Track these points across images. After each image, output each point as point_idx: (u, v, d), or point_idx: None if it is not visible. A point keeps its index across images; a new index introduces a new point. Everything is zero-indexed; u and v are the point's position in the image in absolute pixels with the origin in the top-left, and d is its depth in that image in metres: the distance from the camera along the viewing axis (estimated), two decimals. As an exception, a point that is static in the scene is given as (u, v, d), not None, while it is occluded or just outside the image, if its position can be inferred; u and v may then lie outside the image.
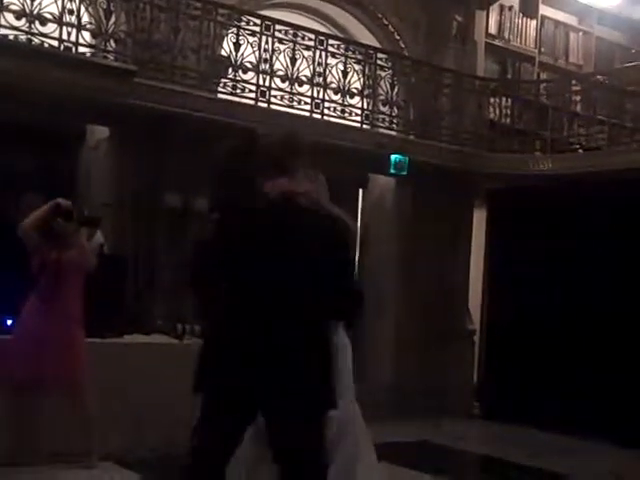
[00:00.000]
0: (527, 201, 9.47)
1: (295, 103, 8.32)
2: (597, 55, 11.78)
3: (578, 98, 10.03)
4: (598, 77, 10.42)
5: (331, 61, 8.62)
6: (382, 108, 9.14)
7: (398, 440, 7.24)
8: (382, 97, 9.11)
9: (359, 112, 8.86)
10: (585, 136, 9.87)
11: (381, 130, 9.11)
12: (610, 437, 7.95)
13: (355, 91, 8.83)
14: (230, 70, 8.02)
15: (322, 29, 9.44)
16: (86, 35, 7.22)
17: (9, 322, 5.55)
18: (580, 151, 9.77)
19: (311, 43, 8.47)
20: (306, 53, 8.40)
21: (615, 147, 9.20)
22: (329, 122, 8.53)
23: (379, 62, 9.08)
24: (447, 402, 9.19)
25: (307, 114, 8.41)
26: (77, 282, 5.40)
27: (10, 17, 6.80)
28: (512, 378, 9.39)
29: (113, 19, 7.35)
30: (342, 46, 8.82)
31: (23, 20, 6.82)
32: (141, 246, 7.72)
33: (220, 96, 8.02)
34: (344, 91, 8.69)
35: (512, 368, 9.43)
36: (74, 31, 7.04)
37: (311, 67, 8.44)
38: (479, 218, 10.27)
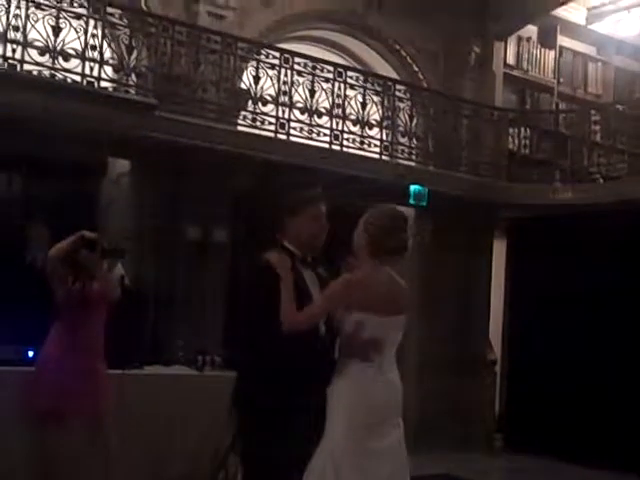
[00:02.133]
0: (547, 231, 9.45)
1: (314, 135, 8.37)
2: (616, 85, 11.79)
3: (597, 128, 10.02)
4: (617, 107, 10.41)
5: (350, 93, 8.68)
6: (401, 139, 9.18)
7: (418, 474, 7.15)
8: (401, 128, 9.15)
9: (378, 143, 8.90)
10: (605, 166, 9.85)
11: (400, 161, 9.14)
12: (634, 470, 7.86)
13: (374, 122, 8.87)
14: (250, 103, 8.09)
15: (341, 61, 9.53)
16: (108, 70, 7.34)
17: (31, 353, 5.57)
18: (600, 181, 9.75)
19: (330, 75, 8.54)
20: (325, 85, 8.47)
21: (635, 176, 9.17)
22: (348, 153, 8.57)
23: (398, 94, 9.13)
24: (468, 434, 9.12)
25: (326, 145, 8.46)
26: (100, 313, 5.41)
27: (34, 53, 6.91)
28: (534, 409, 9.31)
29: (135, 54, 7.46)
30: (361, 78, 8.88)
31: (47, 56, 6.94)
32: (161, 278, 7.76)
33: (240, 129, 8.08)
34: (363, 122, 8.73)
35: (534, 399, 9.36)
36: (96, 66, 7.15)
37: (330, 99, 8.50)
38: (499, 248, 10.24)
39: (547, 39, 11.26)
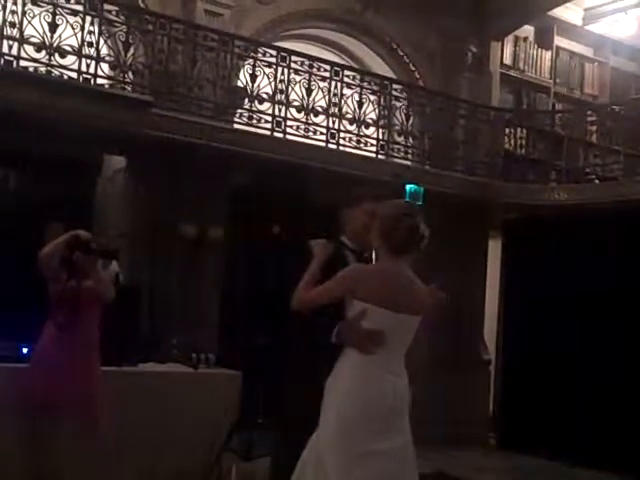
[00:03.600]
0: (542, 231, 9.46)
1: (311, 133, 8.37)
2: (612, 85, 11.79)
3: (594, 128, 10.03)
4: (614, 107, 10.42)
5: (347, 92, 8.68)
6: (397, 138, 9.18)
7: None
8: (397, 127, 9.16)
9: (374, 142, 8.90)
10: (601, 166, 9.87)
11: (396, 160, 9.14)
12: (625, 469, 7.87)
13: (370, 121, 8.88)
14: (246, 101, 8.09)
15: (337, 60, 9.52)
16: (105, 67, 7.33)
17: (25, 350, 5.57)
18: (596, 181, 9.76)
19: (327, 74, 8.54)
20: (322, 84, 8.47)
21: (631, 177, 9.18)
22: (344, 152, 8.57)
23: (394, 93, 9.13)
24: (463, 432, 9.12)
25: (323, 144, 8.46)
26: (94, 311, 5.41)
27: (30, 49, 6.91)
28: (528, 408, 9.33)
29: (131, 51, 7.46)
30: (357, 77, 8.88)
31: (43, 52, 6.93)
32: (157, 275, 7.76)
33: (236, 126, 8.08)
34: (359, 121, 8.74)
35: (528, 398, 9.37)
36: (93, 63, 7.14)
37: (327, 98, 8.50)
38: (494, 248, 10.25)
39: (544, 39, 11.28)
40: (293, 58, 8.32)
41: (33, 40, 6.90)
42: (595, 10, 11.37)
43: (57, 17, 6.97)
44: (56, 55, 6.98)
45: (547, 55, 11.26)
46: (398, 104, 9.16)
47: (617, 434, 8.26)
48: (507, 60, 10.89)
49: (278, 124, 8.16)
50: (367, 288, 3.47)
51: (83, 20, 7.13)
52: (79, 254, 5.26)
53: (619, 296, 8.59)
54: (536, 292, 9.45)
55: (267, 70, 8.15)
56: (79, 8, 7.14)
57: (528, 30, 11.12)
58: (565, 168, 9.86)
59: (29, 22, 6.86)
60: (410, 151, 9.29)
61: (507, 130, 10.13)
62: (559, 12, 11.04)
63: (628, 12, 11.04)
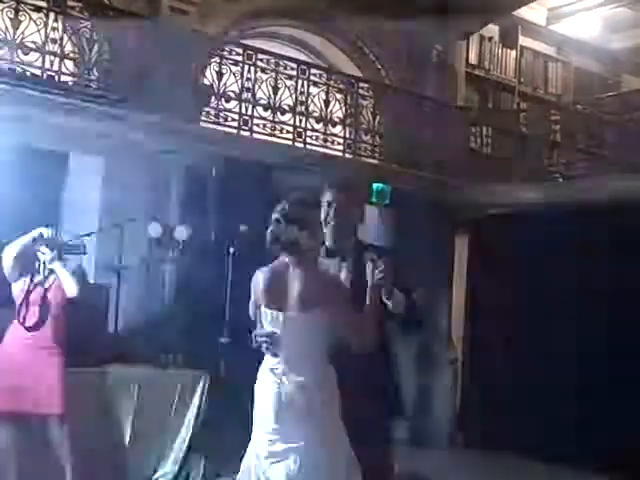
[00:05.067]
0: (508, 230, 9.49)
1: (277, 132, 8.35)
2: (576, 85, 11.92)
3: (557, 127, 10.12)
4: (577, 106, 10.53)
5: (313, 90, 8.67)
6: (364, 137, 9.18)
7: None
8: (364, 126, 9.16)
9: (341, 141, 8.89)
10: (565, 165, 9.95)
11: (363, 159, 9.14)
12: (591, 465, 7.94)
13: (337, 120, 8.87)
14: (213, 99, 8.04)
15: (304, 58, 9.50)
16: (69, 64, 7.22)
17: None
18: (560, 180, 9.84)
19: (293, 72, 8.51)
20: (288, 82, 8.44)
21: (595, 176, 9.26)
22: (311, 150, 8.54)
23: (361, 91, 9.13)
24: (429, 431, 9.16)
25: (289, 143, 8.44)
26: (58, 310, 5.35)
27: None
28: (494, 407, 9.37)
29: (96, 48, 7.36)
30: (324, 75, 8.87)
31: (5, 49, 6.82)
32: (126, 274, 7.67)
33: (203, 125, 8.03)
34: (326, 120, 8.73)
35: (494, 397, 9.41)
36: (57, 60, 7.04)
37: (293, 96, 8.48)
38: (461, 246, 10.29)
39: (508, 39, 11.37)
40: (259, 56, 8.29)
41: (-5, 37, 6.79)
42: (559, 10, 11.48)
43: (20, 13, 6.86)
44: (19, 51, 6.87)
45: (512, 54, 11.35)
46: (365, 102, 9.16)
47: (585, 431, 8.33)
48: (472, 59, 10.96)
49: (245, 122, 8.12)
50: (257, 290, 3.49)
51: (47, 16, 7.03)
52: (42, 251, 5.20)
53: (586, 295, 8.64)
54: (502, 291, 9.49)
55: (234, 68, 8.10)
56: (43, 4, 7.04)
57: (493, 30, 11.19)
58: (530, 167, 9.93)
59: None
60: (377, 149, 9.29)
61: (472, 129, 10.18)
62: (523, 12, 11.14)
63: (591, 12, 11.14)
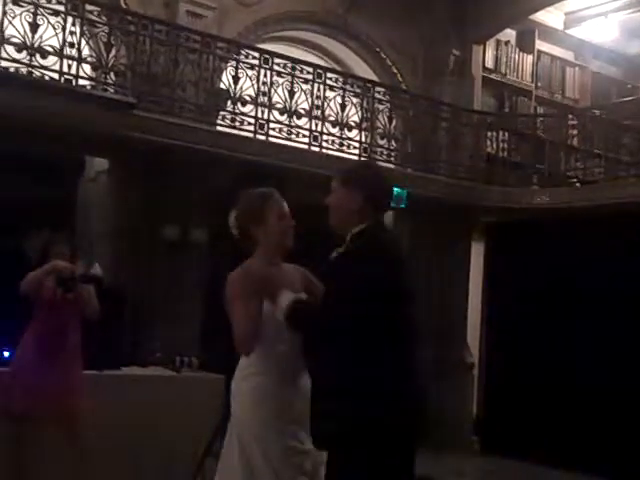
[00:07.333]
0: (525, 235, 9.48)
1: (293, 136, 8.34)
2: (593, 89, 11.86)
3: (575, 132, 10.07)
4: (594, 111, 10.48)
5: (329, 94, 8.66)
6: (380, 141, 9.17)
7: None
8: (380, 130, 9.15)
9: (357, 145, 8.88)
10: (582, 170, 9.90)
11: (379, 163, 9.11)
12: (608, 473, 7.88)
13: (353, 124, 8.86)
14: (229, 103, 8.05)
15: (320, 62, 9.50)
16: (86, 68, 7.26)
17: (6, 354, 5.50)
18: (577, 185, 9.80)
19: (309, 76, 8.51)
20: (304, 86, 8.44)
21: (612, 181, 9.22)
22: (327, 155, 8.54)
23: (377, 95, 9.12)
24: (446, 436, 9.09)
25: (305, 147, 8.43)
26: (75, 315, 5.36)
27: (11, 49, 6.83)
28: (511, 412, 9.33)
29: (113, 52, 7.40)
30: (340, 79, 8.86)
31: (24, 53, 6.85)
32: (139, 278, 7.69)
33: (219, 129, 8.04)
34: (342, 124, 8.72)
35: (511, 402, 9.37)
36: (74, 64, 7.07)
37: (309, 100, 8.47)
38: (477, 251, 10.26)
39: (525, 43, 11.31)
40: (276, 60, 8.28)
41: (14, 40, 6.82)
42: (576, 14, 11.42)
43: (38, 17, 6.90)
44: (37, 55, 6.90)
45: (529, 59, 11.29)
46: (381, 107, 9.15)
47: (601, 438, 8.27)
48: (489, 64, 10.91)
49: (261, 126, 8.13)
50: None
51: (64, 20, 7.06)
52: (60, 291, 5.15)
53: (602, 297, 8.60)
54: (519, 295, 9.46)
55: (250, 72, 8.11)
56: (60, 8, 7.07)
57: (510, 34, 11.14)
58: (547, 172, 9.90)
59: (10, 22, 6.78)
60: (393, 154, 9.27)
61: (489, 133, 10.15)
62: (540, 16, 11.08)
63: (608, 16, 11.08)
